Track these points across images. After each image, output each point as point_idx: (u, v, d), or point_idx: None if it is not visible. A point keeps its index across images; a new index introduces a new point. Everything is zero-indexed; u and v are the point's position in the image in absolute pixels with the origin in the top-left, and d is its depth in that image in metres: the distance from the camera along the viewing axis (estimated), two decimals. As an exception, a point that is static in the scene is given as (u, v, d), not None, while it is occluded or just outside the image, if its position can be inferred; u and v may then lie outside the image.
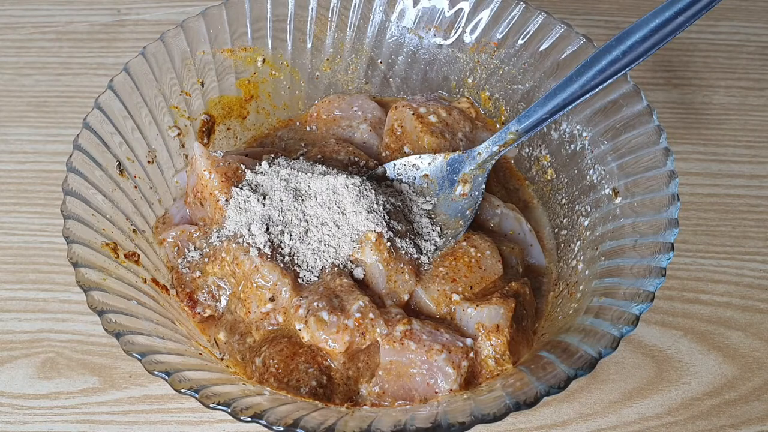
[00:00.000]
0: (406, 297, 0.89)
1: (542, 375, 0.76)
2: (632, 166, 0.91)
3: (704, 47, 1.30)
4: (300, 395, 0.81)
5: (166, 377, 0.73)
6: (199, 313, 0.90)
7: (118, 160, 0.93)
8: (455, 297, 0.88)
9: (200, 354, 0.83)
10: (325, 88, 1.14)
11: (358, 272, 0.88)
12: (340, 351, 0.82)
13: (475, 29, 1.07)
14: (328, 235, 0.88)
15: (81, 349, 0.98)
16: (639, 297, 0.78)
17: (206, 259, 0.90)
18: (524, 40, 1.03)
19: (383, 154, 1.04)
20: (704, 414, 0.93)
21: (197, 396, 0.72)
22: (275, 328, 0.87)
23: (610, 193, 0.92)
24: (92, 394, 0.94)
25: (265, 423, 0.70)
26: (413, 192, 0.98)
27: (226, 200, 0.91)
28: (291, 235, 0.88)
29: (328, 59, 1.12)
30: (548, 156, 1.03)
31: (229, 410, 0.71)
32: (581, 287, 0.89)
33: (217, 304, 0.91)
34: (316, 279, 0.87)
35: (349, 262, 0.88)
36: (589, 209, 0.95)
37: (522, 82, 1.05)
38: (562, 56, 1.00)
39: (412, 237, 0.92)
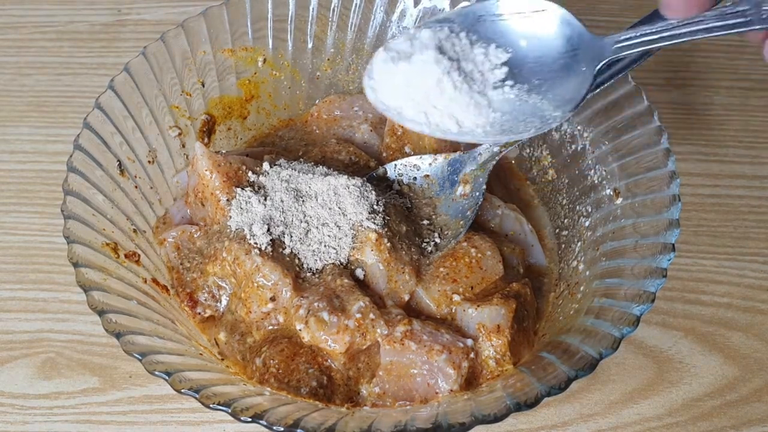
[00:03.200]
0: (406, 297, 0.88)
1: (543, 376, 0.76)
2: (633, 167, 0.91)
3: (705, 47, 1.30)
4: (300, 395, 0.81)
5: (167, 377, 0.73)
6: (199, 314, 0.90)
7: (118, 160, 0.93)
8: (456, 297, 0.88)
9: (200, 354, 0.83)
10: (325, 88, 1.14)
11: (359, 272, 0.88)
12: (340, 351, 0.82)
13: (476, 29, 1.07)
14: (328, 236, 0.88)
15: (81, 349, 0.97)
16: (640, 298, 0.78)
17: (207, 260, 0.90)
18: (525, 40, 1.03)
19: (384, 155, 1.04)
20: (705, 415, 0.93)
21: (197, 396, 0.72)
22: (276, 328, 0.86)
23: (611, 193, 0.92)
24: (92, 394, 0.94)
25: (265, 423, 0.70)
26: (414, 192, 0.98)
27: (228, 200, 0.91)
28: (292, 236, 0.88)
29: (328, 59, 1.12)
30: (549, 156, 1.03)
31: (230, 410, 0.71)
32: (582, 288, 0.89)
33: (218, 304, 0.91)
34: (317, 279, 0.87)
35: (349, 263, 0.88)
36: (590, 210, 0.95)
37: (523, 82, 1.05)
38: (563, 56, 1.00)
39: (413, 237, 0.92)
